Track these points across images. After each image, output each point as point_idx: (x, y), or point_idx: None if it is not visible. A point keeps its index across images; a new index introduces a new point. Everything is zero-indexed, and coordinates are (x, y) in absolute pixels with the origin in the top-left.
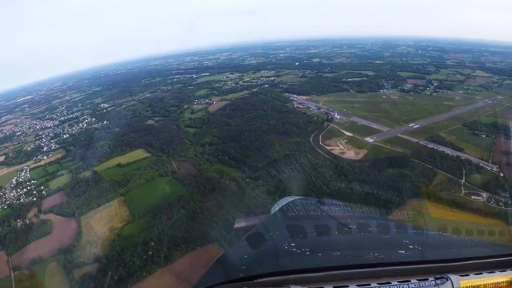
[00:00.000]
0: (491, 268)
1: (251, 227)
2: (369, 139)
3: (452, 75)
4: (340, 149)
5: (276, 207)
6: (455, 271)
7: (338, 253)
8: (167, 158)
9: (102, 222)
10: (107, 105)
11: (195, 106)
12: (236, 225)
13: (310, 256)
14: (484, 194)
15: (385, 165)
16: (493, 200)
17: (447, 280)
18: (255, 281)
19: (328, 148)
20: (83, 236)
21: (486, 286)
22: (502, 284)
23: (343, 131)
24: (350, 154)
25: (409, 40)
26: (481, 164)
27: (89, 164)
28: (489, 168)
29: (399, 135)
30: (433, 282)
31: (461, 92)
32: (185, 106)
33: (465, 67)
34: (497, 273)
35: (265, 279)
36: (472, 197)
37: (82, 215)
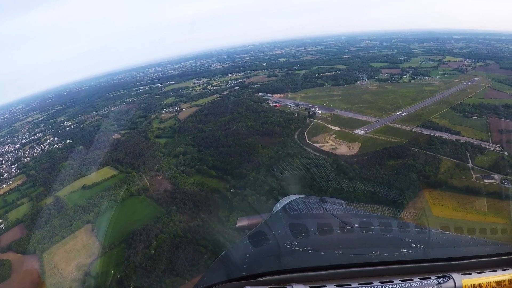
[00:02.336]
0: (494, 266)
1: (253, 226)
2: (359, 132)
3: (424, 62)
4: (331, 145)
5: (278, 206)
6: (458, 269)
7: (341, 252)
8: (137, 174)
9: (68, 258)
10: (70, 123)
11: (163, 115)
12: (238, 224)
13: (313, 254)
14: (496, 176)
15: (384, 157)
16: (506, 181)
17: (449, 279)
18: (258, 279)
19: (317, 145)
20: (46, 278)
21: (488, 285)
22: (504, 283)
23: (329, 125)
24: (343, 149)
25: (372, 35)
26: (483, 146)
27: (51, 189)
28: (492, 148)
29: (390, 124)
30: (436, 281)
31: (438, 77)
32: (153, 116)
33: (434, 54)
34: (500, 271)
35: (268, 277)
36: (485, 180)
37: (45, 251)
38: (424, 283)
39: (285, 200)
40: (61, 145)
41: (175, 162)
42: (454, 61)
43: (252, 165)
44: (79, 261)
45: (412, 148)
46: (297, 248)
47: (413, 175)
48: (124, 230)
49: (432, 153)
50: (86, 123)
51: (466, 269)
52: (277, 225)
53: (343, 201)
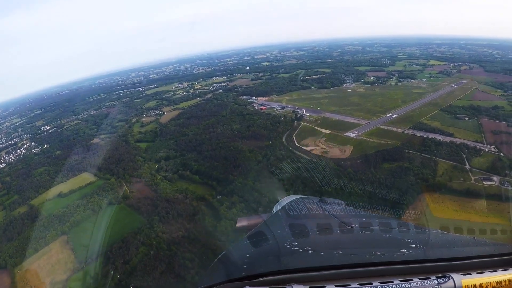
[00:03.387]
0: (493, 267)
1: (253, 226)
2: (350, 134)
3: (409, 65)
4: (322, 148)
5: (278, 206)
6: (457, 270)
7: (340, 252)
8: (116, 181)
9: (42, 273)
10: (48, 127)
11: (144, 119)
12: (238, 224)
13: (312, 255)
14: (495, 178)
15: (379, 160)
16: (506, 182)
17: (449, 279)
18: (258, 280)
19: (307, 148)
20: None
21: (488, 285)
22: (504, 283)
23: (318, 128)
24: (335, 152)
25: (354, 40)
26: (478, 147)
27: (25, 197)
28: (487, 150)
29: (381, 126)
30: (435, 281)
31: (424, 79)
32: (134, 120)
33: (418, 58)
34: (499, 272)
35: (268, 278)
36: (484, 182)
37: (17, 266)
38: (424, 283)
39: (285, 201)
40: (38, 150)
41: (156, 168)
42: (439, 64)
43: (239, 170)
44: (54, 278)
45: (407, 151)
46: (297, 248)
47: (410, 178)
48: (102, 243)
49: (427, 155)
50: (65, 127)
51: (465, 269)
52: (277, 226)
53: (342, 202)
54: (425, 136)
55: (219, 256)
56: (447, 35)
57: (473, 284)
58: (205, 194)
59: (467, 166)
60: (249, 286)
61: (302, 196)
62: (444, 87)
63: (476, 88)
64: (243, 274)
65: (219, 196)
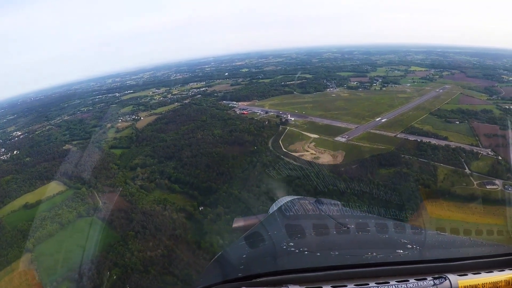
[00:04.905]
0: (490, 267)
1: (249, 227)
2: (340, 139)
3: (391, 71)
4: (312, 153)
5: (274, 207)
6: (454, 270)
7: (337, 253)
8: (87, 190)
9: None
10: (19, 133)
11: (120, 124)
12: (235, 225)
13: (309, 255)
14: (497, 182)
15: (375, 165)
16: (510, 186)
17: (445, 280)
18: (253, 280)
19: (296, 154)
20: None
21: (484, 286)
22: (500, 284)
23: (305, 133)
24: (326, 158)
25: (332, 48)
26: (475, 150)
27: None
28: (484, 153)
29: (371, 130)
30: (432, 282)
31: (408, 84)
32: (108, 125)
33: (398, 64)
34: (496, 272)
35: (264, 278)
36: (487, 187)
37: None
38: (420, 284)
39: (281, 201)
40: (7, 157)
41: (132, 176)
42: (420, 70)
43: (223, 178)
44: None
45: (403, 155)
46: (293, 249)
47: (411, 185)
48: (70, 262)
49: (425, 160)
50: (37, 133)
51: (462, 270)
52: (273, 226)
53: (339, 202)
54: (419, 140)
55: (215, 257)
56: (423, 44)
57: (469, 285)
58: (186, 205)
59: (467, 171)
60: (245, 286)
61: (299, 197)
62: (429, 91)
63: (461, 93)
64: (239, 275)
65: (202, 207)
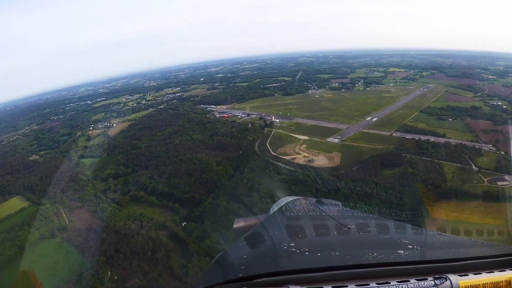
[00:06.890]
0: (491, 268)
1: (250, 227)
2: (333, 140)
3: (370, 72)
4: (305, 156)
5: (275, 207)
6: (455, 271)
7: (337, 253)
8: (52, 206)
9: None
10: None
11: (90, 132)
12: (235, 225)
13: (309, 256)
14: (507, 177)
15: (377, 166)
16: None
17: (446, 280)
18: (254, 281)
19: (287, 157)
20: None
21: (485, 286)
22: (501, 284)
23: (294, 135)
24: (322, 160)
25: (306, 53)
26: (477, 147)
27: None
28: (486, 149)
29: (364, 130)
30: (432, 282)
31: (392, 84)
32: (79, 134)
33: (376, 67)
34: (496, 273)
35: (264, 279)
36: (498, 183)
37: None
38: (421, 284)
39: (281, 202)
40: None
41: (103, 188)
42: (400, 71)
43: (207, 187)
44: None
45: (404, 154)
46: (293, 249)
47: (419, 186)
48: None
49: (428, 158)
50: (3, 143)
51: (463, 270)
52: (273, 227)
53: (340, 203)
54: (416, 138)
55: (216, 258)
56: (396, 47)
57: (470, 285)
58: (166, 221)
59: (474, 167)
60: (246, 287)
61: (299, 197)
62: (414, 91)
63: (446, 91)
64: (240, 275)
65: (185, 223)
